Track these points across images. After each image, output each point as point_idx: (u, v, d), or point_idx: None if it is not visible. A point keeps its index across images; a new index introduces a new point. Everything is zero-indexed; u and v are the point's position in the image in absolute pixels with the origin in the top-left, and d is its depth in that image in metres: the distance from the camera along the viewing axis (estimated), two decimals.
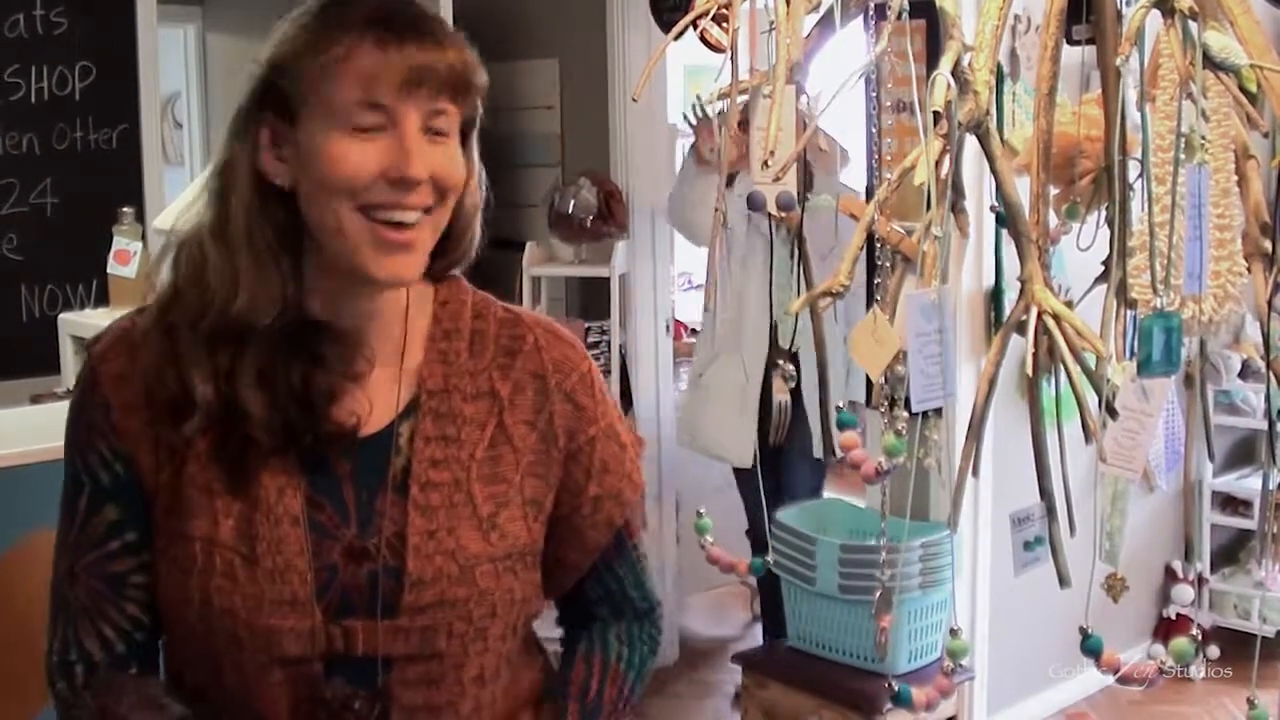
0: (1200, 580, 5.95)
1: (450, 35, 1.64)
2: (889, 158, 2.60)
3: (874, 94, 4.24)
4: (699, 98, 5.18)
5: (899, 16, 1.96)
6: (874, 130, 4.67)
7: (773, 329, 5.19)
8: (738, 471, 5.58)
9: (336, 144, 1.57)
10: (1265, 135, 1.99)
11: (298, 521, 1.62)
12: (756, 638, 5.99)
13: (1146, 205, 2.01)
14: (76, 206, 4.98)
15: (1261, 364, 5.30)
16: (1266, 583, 5.87)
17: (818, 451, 5.32)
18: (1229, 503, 6.10)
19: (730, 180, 4.99)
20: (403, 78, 1.57)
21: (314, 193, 1.60)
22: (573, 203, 5.75)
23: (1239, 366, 5.95)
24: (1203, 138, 1.94)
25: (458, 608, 1.65)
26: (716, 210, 2.17)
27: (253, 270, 1.61)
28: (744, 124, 4.92)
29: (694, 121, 5.33)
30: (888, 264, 2.17)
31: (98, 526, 1.66)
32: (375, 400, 1.69)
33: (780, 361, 2.52)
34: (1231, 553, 6.24)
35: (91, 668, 1.68)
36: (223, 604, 1.60)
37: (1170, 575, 5.96)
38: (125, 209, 4.30)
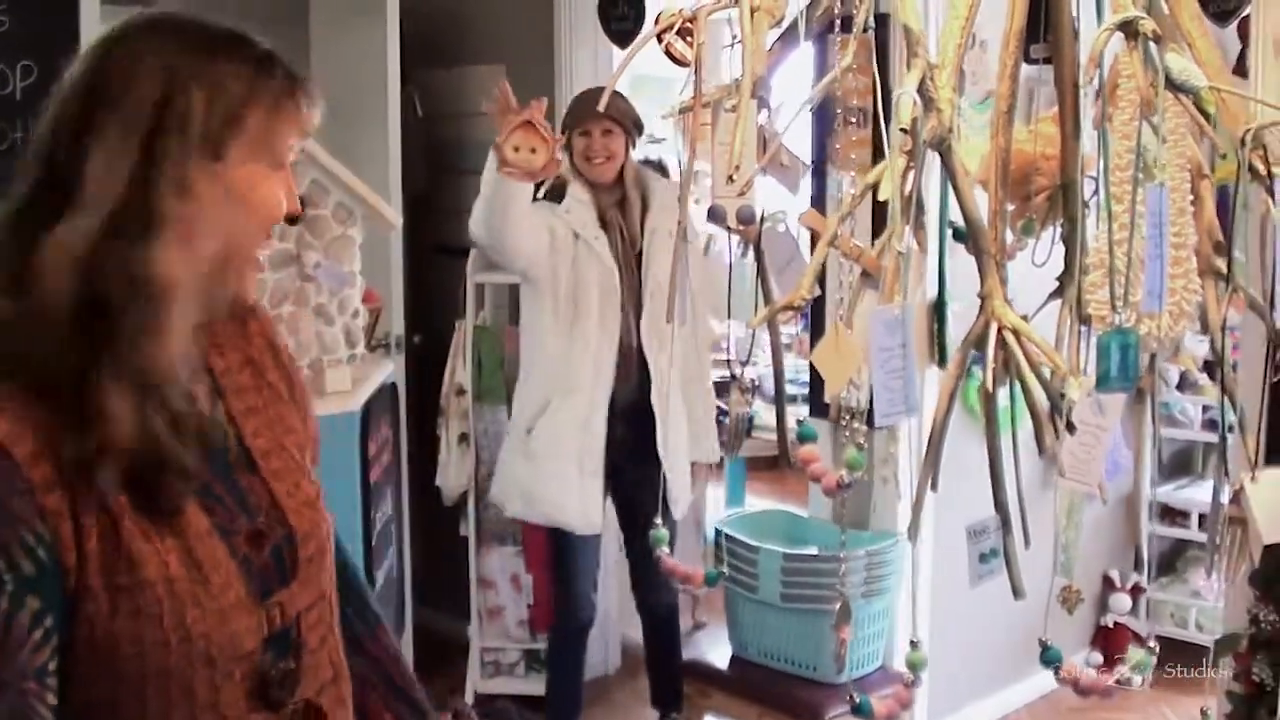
0: (1138, 589, 6.02)
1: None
2: (851, 175, 2.63)
3: (823, 106, 4.28)
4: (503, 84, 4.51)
5: (865, 30, 1.98)
6: (822, 142, 4.71)
7: (629, 364, 4.81)
8: (573, 538, 4.95)
9: (265, 179, 1.68)
10: (1223, 156, 2.03)
11: (212, 531, 1.67)
12: (699, 646, 6.01)
13: (1103, 223, 2.05)
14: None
15: (1199, 376, 5.37)
16: (1204, 592, 5.94)
17: (676, 513, 4.94)
18: (1166, 513, 6.18)
19: (558, 192, 4.83)
20: (304, 128, 1.72)
21: (240, 222, 1.68)
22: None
23: (1177, 378, 6.03)
24: (1155, 159, 1.98)
25: (325, 546, 1.81)
26: (680, 225, 2.17)
27: None
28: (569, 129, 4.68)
29: (496, 109, 4.48)
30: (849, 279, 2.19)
31: (23, 623, 1.53)
32: (198, 393, 1.75)
33: (737, 375, 2.52)
34: (1169, 562, 6.32)
35: None
36: (200, 629, 1.63)
37: (1108, 584, 6.02)
38: None
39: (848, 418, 2.14)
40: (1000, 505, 2.27)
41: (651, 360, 4.83)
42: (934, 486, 2.17)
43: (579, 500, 4.83)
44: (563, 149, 4.63)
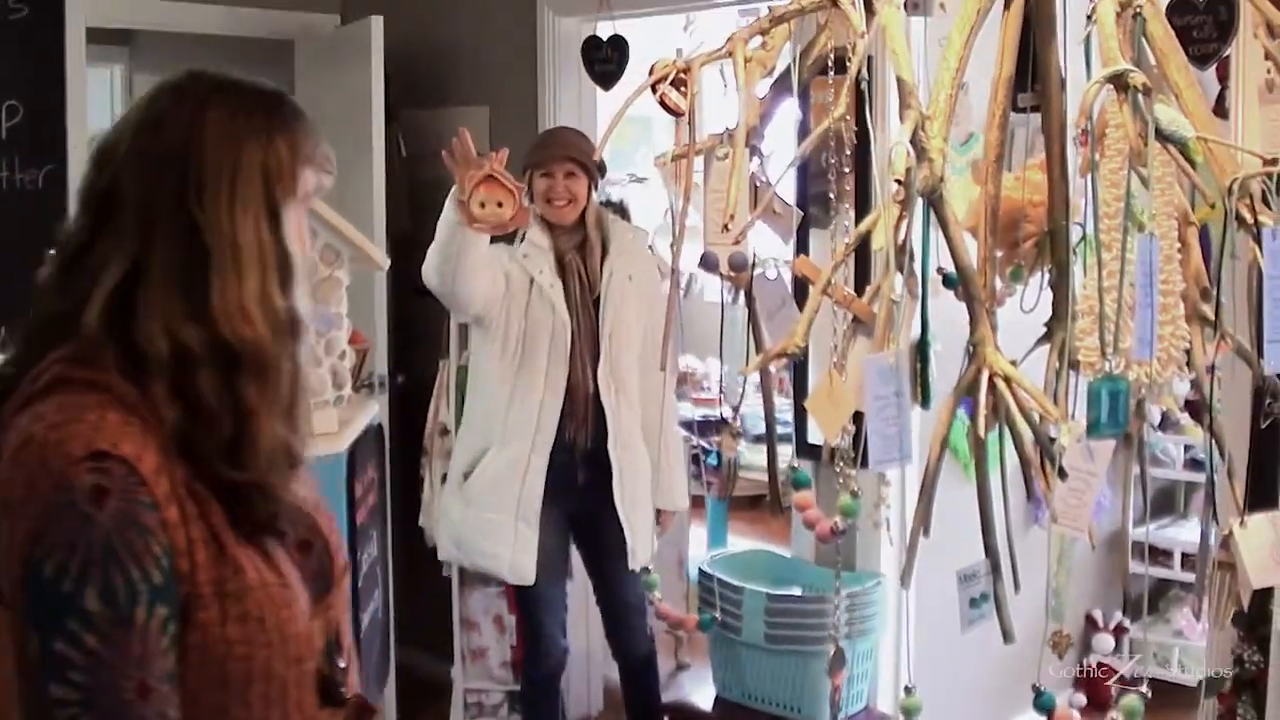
0: (1120, 629, 6.03)
1: None
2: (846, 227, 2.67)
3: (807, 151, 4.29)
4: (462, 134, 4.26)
5: (858, 85, 2.01)
6: (804, 185, 4.72)
7: (585, 411, 4.70)
8: (529, 590, 4.83)
9: (294, 222, 1.81)
10: (1212, 206, 2.06)
11: (279, 541, 1.78)
12: (683, 687, 6.01)
13: (1092, 270, 2.07)
14: (1, 248, 4.93)
15: (1181, 416, 5.40)
16: (1186, 632, 5.96)
17: (633, 563, 4.74)
18: (1149, 552, 6.20)
19: (514, 238, 4.69)
20: (319, 186, 1.89)
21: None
22: None
23: (1159, 418, 6.06)
24: (1145, 210, 2.01)
25: (344, 563, 1.92)
26: (674, 273, 2.19)
27: None
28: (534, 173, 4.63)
29: (453, 160, 4.26)
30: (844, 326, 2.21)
31: (157, 631, 1.62)
32: None
33: (728, 419, 2.53)
34: (1152, 602, 6.33)
35: None
36: (292, 630, 1.74)
37: (1091, 624, 6.04)
38: (51, 251, 4.26)
39: (840, 464, 2.15)
40: (990, 550, 2.29)
41: (609, 408, 4.73)
42: (926, 532, 2.19)
43: (511, 550, 4.71)
44: (528, 190, 4.59)
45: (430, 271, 4.54)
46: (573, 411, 4.71)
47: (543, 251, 4.71)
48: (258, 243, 1.75)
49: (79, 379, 1.69)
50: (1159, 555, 6.21)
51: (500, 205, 4.15)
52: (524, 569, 4.72)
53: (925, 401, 2.34)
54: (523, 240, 4.71)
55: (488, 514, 4.72)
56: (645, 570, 2.61)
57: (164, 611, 1.63)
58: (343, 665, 1.86)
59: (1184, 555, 6.06)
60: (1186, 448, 6.14)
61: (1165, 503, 6.45)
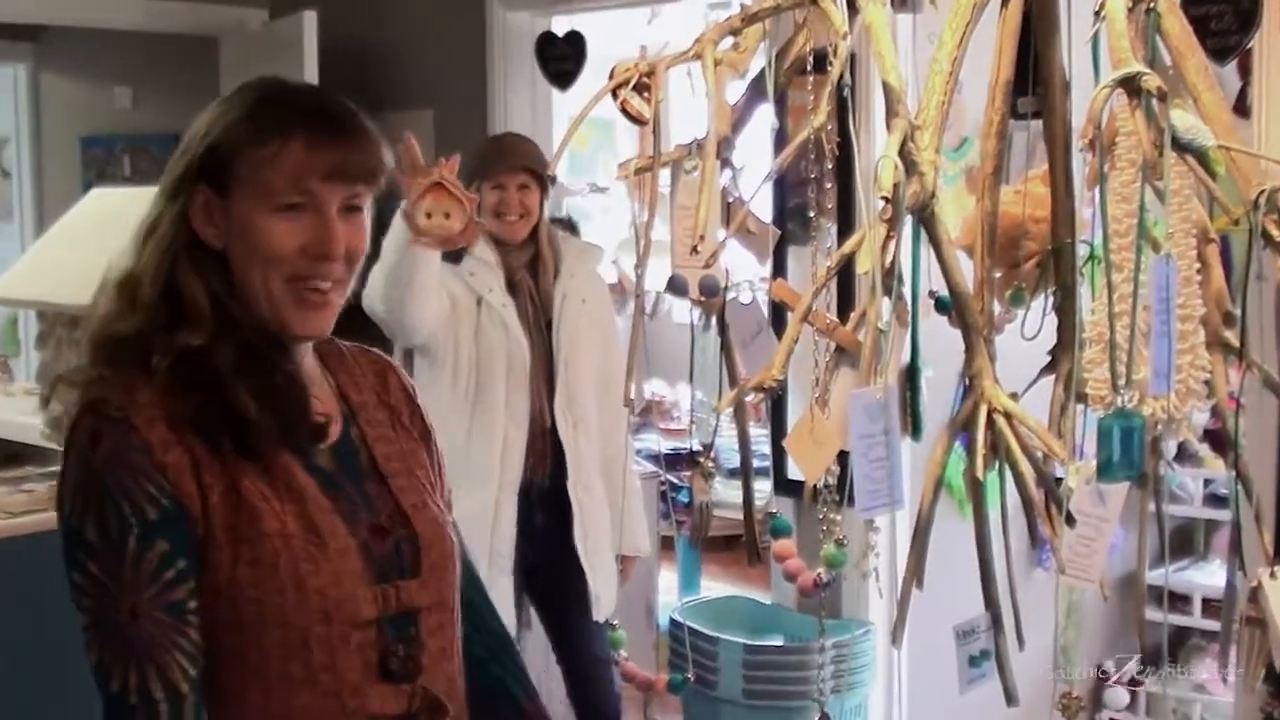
0: (1135, 682, 6.01)
1: (368, 132, 2.11)
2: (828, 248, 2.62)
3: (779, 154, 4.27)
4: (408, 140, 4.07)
5: (840, 90, 1.98)
6: (781, 199, 4.70)
7: (541, 447, 4.64)
8: None
9: (266, 221, 2.00)
10: (1235, 222, 2.04)
11: (334, 511, 2.05)
12: None
13: (1102, 294, 2.05)
14: None
15: (1199, 447, 5.39)
16: (1209, 686, 5.93)
17: (597, 613, 4.72)
18: (1163, 597, 6.17)
19: (457, 256, 4.58)
20: (327, 171, 2.01)
21: (244, 259, 2.03)
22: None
23: (1175, 450, 6.03)
24: (1160, 227, 1.99)
25: (449, 561, 2.18)
26: (638, 298, 2.16)
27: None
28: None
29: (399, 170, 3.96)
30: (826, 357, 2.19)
31: (151, 561, 1.92)
32: (329, 409, 2.15)
33: (701, 460, 2.49)
34: (1170, 652, 6.29)
35: (178, 700, 1.93)
36: (314, 584, 1.98)
37: (1102, 677, 6.02)
38: None
39: (824, 509, 2.13)
40: (990, 603, 2.26)
41: (567, 443, 4.68)
42: (919, 584, 2.17)
43: None
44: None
45: (375, 296, 4.41)
46: (530, 446, 4.64)
47: (491, 269, 4.63)
48: None
49: None
50: (1177, 601, 6.15)
51: (448, 217, 4.04)
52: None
53: (916, 433, 2.32)
54: (464, 258, 4.62)
55: None
56: (610, 625, 2.57)
57: (164, 546, 1.93)
58: (411, 651, 2.07)
59: (1204, 601, 6.01)
60: (1206, 482, 6.09)
61: (1183, 543, 6.39)
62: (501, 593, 4.49)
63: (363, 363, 2.29)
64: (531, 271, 4.73)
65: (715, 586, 7.03)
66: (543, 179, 4.66)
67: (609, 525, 4.77)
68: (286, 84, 2.16)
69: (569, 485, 4.67)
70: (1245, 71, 3.72)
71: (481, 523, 4.51)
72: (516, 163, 4.65)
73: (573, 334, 4.72)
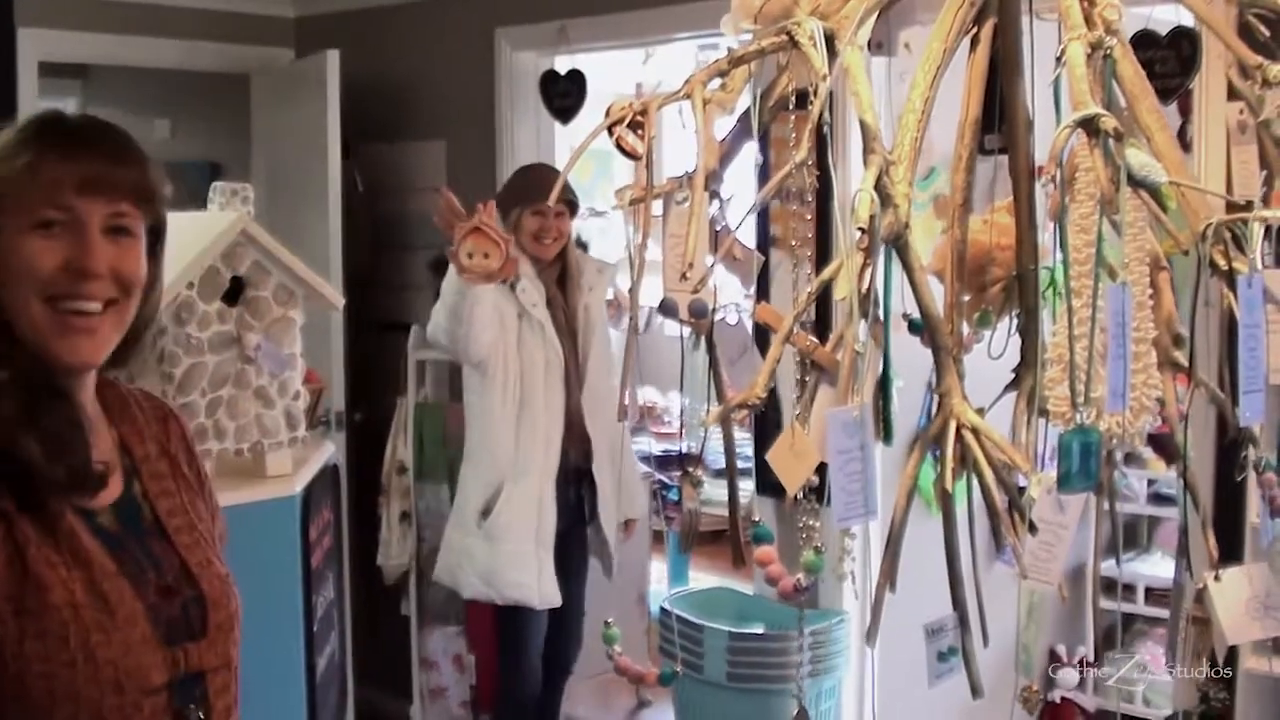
0: (1084, 664, 5.97)
1: (132, 150, 1.91)
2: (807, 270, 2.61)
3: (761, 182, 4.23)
4: (445, 193, 4.55)
5: (820, 129, 1.93)
6: (764, 227, 4.67)
7: (573, 434, 4.99)
8: (528, 612, 5.02)
9: (25, 241, 1.81)
10: (1185, 253, 1.99)
11: (120, 574, 1.84)
12: None
13: (1062, 317, 2.00)
14: None
15: (1143, 450, 5.35)
16: (1150, 667, 5.91)
17: (610, 571, 5.31)
18: (1112, 587, 6.14)
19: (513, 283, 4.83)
20: (80, 183, 1.81)
21: (11, 287, 1.82)
22: (429, 274, 5.70)
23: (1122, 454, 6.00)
24: (1117, 258, 1.94)
25: (234, 620, 2.00)
26: (632, 318, 2.12)
27: None
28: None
29: (444, 218, 4.51)
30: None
31: None
32: (109, 462, 1.94)
33: (690, 469, 2.47)
34: (1114, 636, 6.28)
35: None
36: (105, 655, 1.78)
37: (1055, 659, 5.97)
38: None
39: (803, 518, 2.08)
40: (958, 603, 2.21)
41: (592, 432, 5.04)
42: (892, 588, 2.12)
43: (537, 577, 4.90)
44: (508, 227, 4.74)
45: (439, 332, 4.76)
46: (569, 437, 4.99)
47: (535, 285, 4.90)
48: None
49: None
50: (1124, 590, 6.16)
51: (487, 256, 4.31)
52: (550, 594, 4.95)
53: (888, 438, 2.27)
54: (518, 279, 4.84)
55: (513, 546, 4.89)
56: (605, 623, 2.52)
57: None
58: (200, 715, 1.90)
59: (1147, 590, 6.05)
60: (1150, 482, 6.11)
61: (1128, 537, 6.40)
62: (546, 567, 4.92)
63: (146, 409, 2.08)
64: (561, 286, 5.04)
65: (702, 578, 6.97)
66: (574, 206, 5.02)
67: (615, 499, 5.18)
68: (57, 112, 1.95)
69: (594, 468, 5.07)
70: (1185, 111, 3.73)
71: (529, 511, 4.89)
72: (561, 195, 4.83)
73: (590, 341, 5.05)
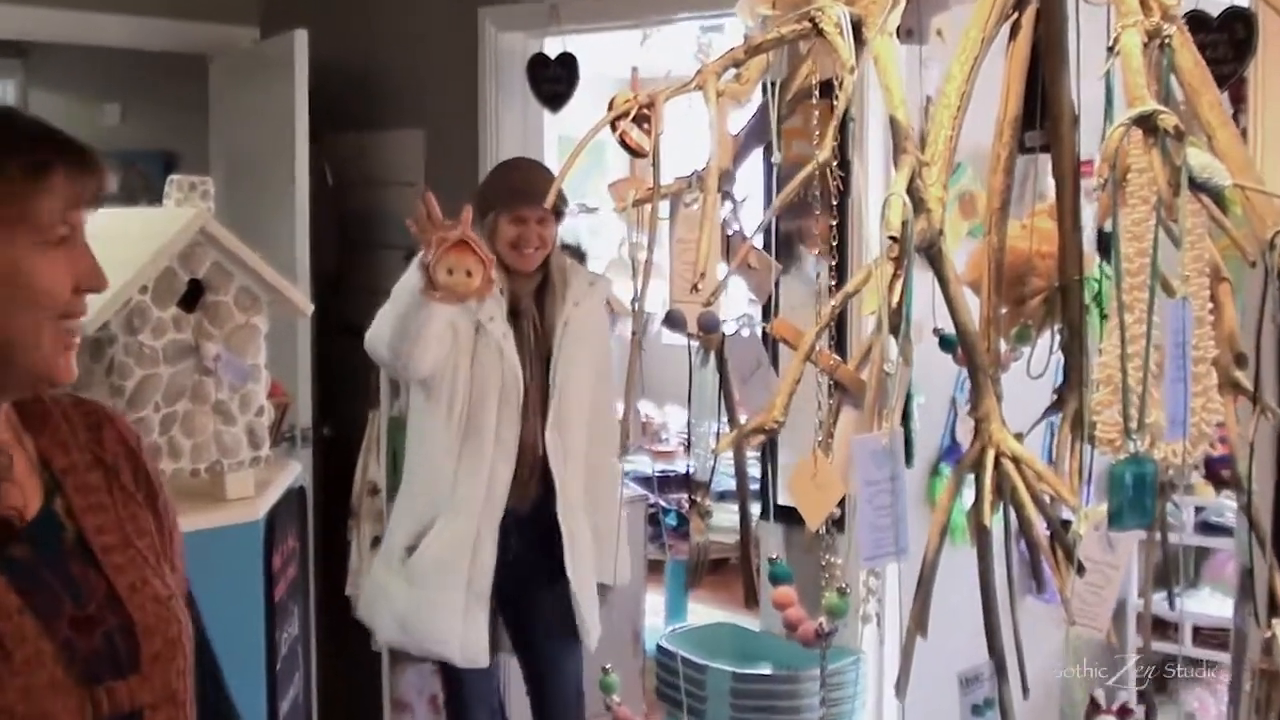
0: (1125, 710, 5.95)
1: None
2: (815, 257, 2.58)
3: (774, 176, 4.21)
4: (427, 196, 4.14)
5: (844, 124, 1.91)
6: (774, 227, 4.65)
7: (530, 474, 4.61)
8: (457, 672, 4.73)
9: (37, 259, 1.80)
10: (1252, 265, 1.97)
11: (23, 611, 1.77)
12: None
13: (1114, 335, 1.98)
14: None
15: (1193, 475, 5.33)
16: (1199, 716, 5.89)
17: (589, 641, 4.77)
18: (1155, 626, 6.12)
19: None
20: (90, 199, 1.86)
21: (17, 306, 1.80)
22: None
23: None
24: (1177, 270, 1.92)
25: (176, 648, 1.92)
26: (634, 335, 2.09)
27: None
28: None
29: (419, 226, 4.11)
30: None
31: None
32: (24, 486, 1.89)
33: (698, 498, 2.43)
34: (1158, 681, 6.25)
35: None
36: (0, 703, 1.72)
37: (1093, 706, 5.95)
38: None
39: (825, 554, 2.06)
40: (995, 650, 2.19)
41: (557, 472, 4.65)
42: (924, 632, 2.10)
43: (463, 631, 4.59)
44: (483, 231, 4.44)
45: (380, 344, 4.47)
46: (517, 476, 4.62)
47: (495, 297, 4.51)
48: None
49: None
50: (1166, 629, 6.13)
51: (469, 274, 4.05)
52: (476, 651, 4.62)
53: (908, 460, 2.25)
54: None
55: (435, 593, 4.59)
56: (603, 669, 2.49)
57: None
58: None
59: (1195, 630, 5.99)
60: (1197, 509, 6.06)
61: (1174, 571, 6.36)
62: (476, 622, 4.59)
63: (74, 417, 2.02)
64: (538, 299, 4.70)
65: (703, 612, 6.95)
66: (560, 210, 4.67)
67: (592, 554, 4.77)
68: (12, 111, 1.95)
69: (559, 514, 4.64)
70: (1238, 100, 3.69)
71: (461, 552, 4.57)
72: (540, 200, 4.28)
73: (570, 364, 4.68)
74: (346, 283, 6.29)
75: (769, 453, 4.52)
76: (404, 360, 4.45)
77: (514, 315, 4.64)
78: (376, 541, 5.60)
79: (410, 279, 4.21)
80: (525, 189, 4.56)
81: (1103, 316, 2.32)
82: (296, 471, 4.13)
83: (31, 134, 1.85)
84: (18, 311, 1.80)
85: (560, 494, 4.65)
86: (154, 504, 2.05)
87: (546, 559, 4.67)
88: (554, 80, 5.55)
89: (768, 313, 4.30)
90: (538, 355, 4.66)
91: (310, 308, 4.00)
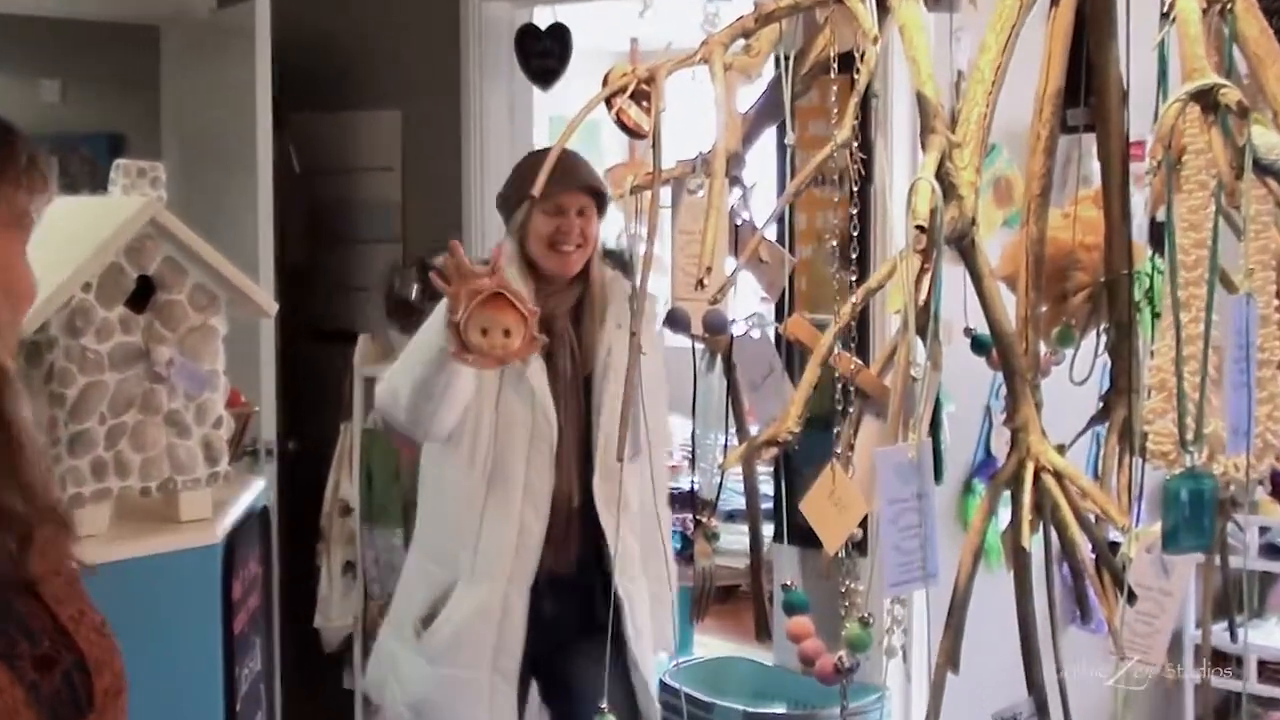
0: None
1: None
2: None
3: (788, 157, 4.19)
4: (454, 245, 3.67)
5: (864, 101, 1.91)
6: (789, 216, 4.62)
7: (567, 528, 4.24)
8: None
9: (13, 251, 1.86)
10: None
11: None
12: None
13: (1168, 336, 1.97)
14: None
15: (1257, 491, 5.32)
16: None
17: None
18: (1217, 660, 6.09)
19: None
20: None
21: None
22: (416, 287, 5.66)
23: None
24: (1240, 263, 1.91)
25: (122, 682, 1.92)
26: (633, 335, 2.08)
27: None
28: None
29: (440, 279, 3.68)
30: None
31: None
32: None
33: (704, 519, 2.39)
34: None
35: None
36: None
37: None
38: None
39: (845, 580, 2.05)
40: (1034, 686, 2.19)
41: (607, 526, 4.21)
42: (955, 667, 2.09)
43: (489, 713, 4.31)
44: (512, 232, 4.22)
45: (395, 406, 4.17)
46: (550, 533, 4.28)
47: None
48: None
49: None
50: (1227, 663, 6.10)
51: (507, 334, 3.57)
52: None
53: (938, 475, 2.24)
54: None
55: (457, 670, 4.29)
56: (599, 710, 2.42)
57: None
58: None
59: (1261, 663, 5.95)
60: (1262, 530, 6.03)
61: (1235, 599, 6.33)
62: (503, 701, 4.31)
63: None
64: (574, 318, 4.34)
65: (710, 643, 6.94)
66: (603, 202, 4.30)
67: (649, 615, 4.43)
68: None
69: (615, 577, 4.24)
70: None
71: (487, 620, 4.26)
72: (578, 182, 4.24)
73: (616, 398, 4.23)
74: (316, 279, 6.29)
75: (782, 467, 4.52)
76: (425, 424, 4.14)
77: (549, 336, 4.07)
78: (349, 567, 5.59)
79: (433, 336, 3.89)
80: (565, 170, 4.13)
81: (1155, 315, 2.31)
82: (259, 489, 4.11)
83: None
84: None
85: (617, 555, 4.27)
86: (69, 523, 2.00)
87: (588, 617, 4.34)
88: (545, 54, 5.56)
89: (781, 312, 4.32)
90: (574, 389, 4.32)
91: (275, 307, 3.98)
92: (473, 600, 4.26)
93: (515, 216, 4.27)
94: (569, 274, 4.24)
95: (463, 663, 4.27)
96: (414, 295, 5.63)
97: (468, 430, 4.22)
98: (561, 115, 6.07)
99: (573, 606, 4.34)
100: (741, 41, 2.14)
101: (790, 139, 2.19)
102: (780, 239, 4.24)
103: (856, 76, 1.99)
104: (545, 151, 4.23)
